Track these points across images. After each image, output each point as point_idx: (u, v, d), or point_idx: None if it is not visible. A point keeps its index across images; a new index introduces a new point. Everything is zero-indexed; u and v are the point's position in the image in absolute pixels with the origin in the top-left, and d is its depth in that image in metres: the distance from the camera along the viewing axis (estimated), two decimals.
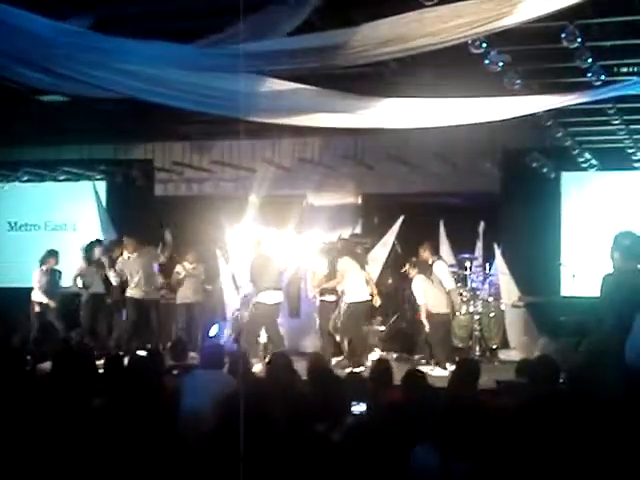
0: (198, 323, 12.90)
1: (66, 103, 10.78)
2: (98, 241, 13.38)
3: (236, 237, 13.83)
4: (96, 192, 15.05)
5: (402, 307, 13.23)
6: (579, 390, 5.89)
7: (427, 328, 11.33)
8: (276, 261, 12.03)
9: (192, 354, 11.63)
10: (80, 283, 12.70)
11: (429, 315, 11.29)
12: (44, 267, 12.73)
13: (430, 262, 11.90)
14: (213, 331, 13.03)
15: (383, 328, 12.79)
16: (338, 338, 12.08)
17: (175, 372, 8.69)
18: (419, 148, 12.87)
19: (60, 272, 12.96)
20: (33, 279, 12.66)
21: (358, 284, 11.58)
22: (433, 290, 11.46)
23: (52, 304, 12.60)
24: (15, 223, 16.13)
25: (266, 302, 11.59)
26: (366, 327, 12.25)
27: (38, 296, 12.63)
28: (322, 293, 12.11)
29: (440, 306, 11.42)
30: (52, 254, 12.91)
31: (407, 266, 11.74)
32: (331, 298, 12.06)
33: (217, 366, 6.81)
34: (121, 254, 12.80)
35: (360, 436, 4.75)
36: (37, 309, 12.64)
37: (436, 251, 12.58)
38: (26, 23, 5.79)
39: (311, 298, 12.55)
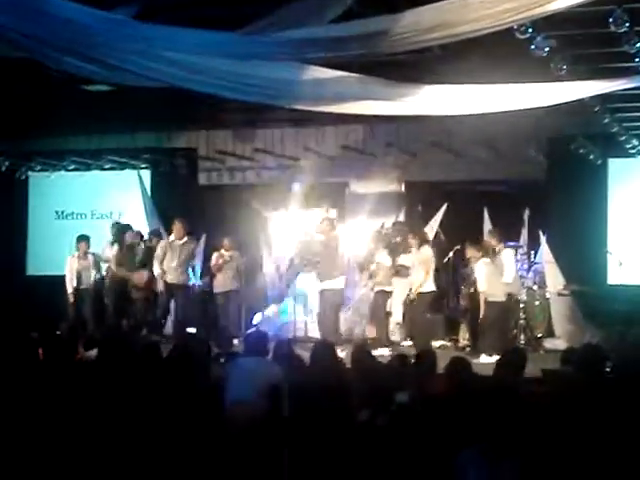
0: (238, 311, 12.88)
1: (111, 92, 10.86)
2: (129, 226, 13.48)
3: (279, 225, 13.88)
4: (141, 181, 15.14)
5: (447, 294, 13.17)
6: (627, 379, 5.81)
7: (482, 314, 11.20)
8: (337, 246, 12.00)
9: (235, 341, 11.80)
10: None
11: (485, 302, 11.17)
12: (76, 253, 12.84)
13: (497, 249, 11.79)
14: (257, 319, 13.09)
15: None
16: (391, 327, 12.09)
17: (222, 360, 8.75)
18: (463, 135, 12.76)
19: (95, 256, 13.09)
20: (65, 267, 12.84)
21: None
22: (494, 276, 11.35)
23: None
24: (62, 212, 16.30)
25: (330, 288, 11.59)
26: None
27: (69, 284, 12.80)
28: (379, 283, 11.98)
29: (499, 294, 11.29)
30: (83, 239, 13.01)
31: (468, 248, 11.62)
32: (389, 288, 11.95)
33: (261, 353, 6.83)
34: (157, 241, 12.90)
35: (404, 424, 4.74)
36: (71, 298, 12.79)
37: (481, 239, 12.50)
38: (71, 13, 5.83)
39: (368, 289, 12.39)
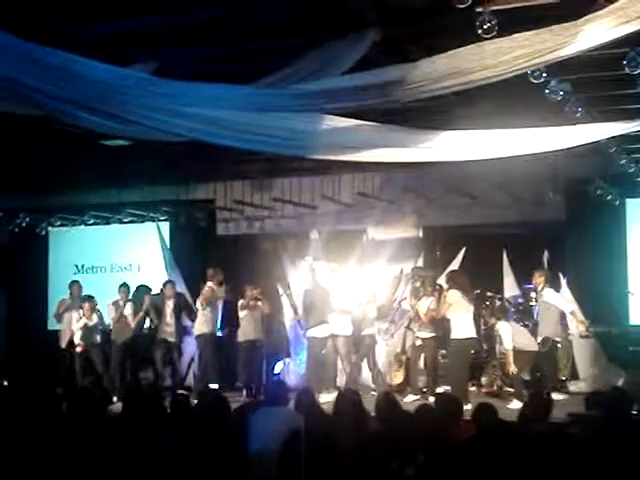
0: (260, 360, 12.87)
1: (129, 147, 10.99)
2: (145, 287, 13.67)
3: (298, 273, 13.91)
4: (160, 233, 15.23)
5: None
6: None
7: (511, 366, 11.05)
8: (330, 294, 12.06)
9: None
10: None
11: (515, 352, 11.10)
12: (80, 311, 12.95)
13: (540, 288, 11.78)
14: (278, 368, 13.06)
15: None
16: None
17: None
18: (480, 179, 12.78)
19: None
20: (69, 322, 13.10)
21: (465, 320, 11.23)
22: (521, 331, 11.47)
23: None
24: (82, 266, 16.41)
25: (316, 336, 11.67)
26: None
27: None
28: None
29: (531, 344, 11.38)
30: (90, 298, 13.15)
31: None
32: (429, 334, 11.82)
33: (282, 403, 6.80)
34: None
35: (433, 473, 4.70)
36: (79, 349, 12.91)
37: (500, 282, 12.50)
38: (91, 71, 5.93)
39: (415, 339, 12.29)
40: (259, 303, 12.75)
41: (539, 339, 11.53)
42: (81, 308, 12.93)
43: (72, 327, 12.94)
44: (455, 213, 13.69)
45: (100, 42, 7.57)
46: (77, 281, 14.03)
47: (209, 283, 12.62)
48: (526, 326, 12.07)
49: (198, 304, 12.66)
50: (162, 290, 13.30)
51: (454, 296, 11.22)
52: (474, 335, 11.31)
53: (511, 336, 11.11)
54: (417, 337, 11.96)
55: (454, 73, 5.79)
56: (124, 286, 13.35)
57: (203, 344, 12.60)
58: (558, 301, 11.65)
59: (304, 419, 6.18)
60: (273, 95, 6.47)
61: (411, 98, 6.37)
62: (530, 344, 11.35)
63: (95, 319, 12.92)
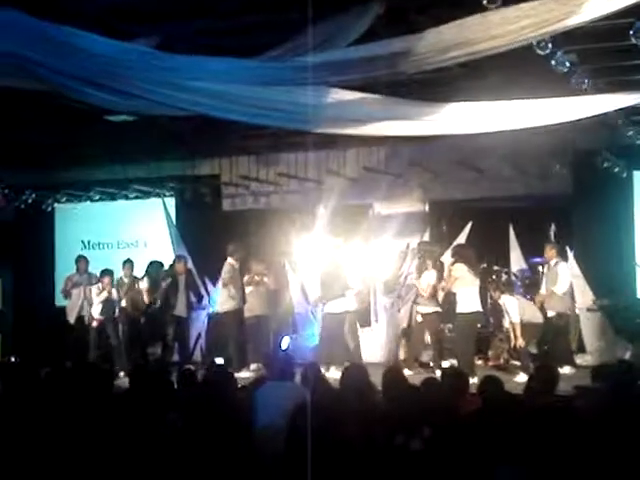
0: (267, 335, 12.87)
1: (134, 122, 10.95)
2: (159, 263, 13.58)
3: (304, 248, 13.89)
4: (166, 209, 15.21)
5: None
6: None
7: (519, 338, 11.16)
8: (344, 269, 12.03)
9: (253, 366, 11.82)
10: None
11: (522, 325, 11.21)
12: (100, 285, 12.91)
13: (554, 263, 11.79)
14: (285, 343, 13.07)
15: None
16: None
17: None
18: (486, 152, 12.72)
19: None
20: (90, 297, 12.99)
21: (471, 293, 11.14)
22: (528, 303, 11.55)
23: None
24: (88, 242, 16.43)
25: (333, 312, 11.64)
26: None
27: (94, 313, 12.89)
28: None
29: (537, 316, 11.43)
30: (108, 273, 13.09)
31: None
32: (430, 309, 11.85)
33: (288, 378, 6.81)
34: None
35: (440, 446, 4.70)
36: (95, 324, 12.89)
37: (507, 256, 12.50)
38: (95, 45, 5.90)
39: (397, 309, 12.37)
40: (265, 279, 12.73)
41: (550, 313, 11.53)
42: (100, 282, 12.87)
43: (92, 301, 12.83)
44: (461, 187, 13.65)
45: (102, 16, 7.50)
46: (84, 256, 13.99)
47: (229, 259, 12.55)
48: (532, 300, 12.04)
49: (220, 281, 12.62)
50: (172, 266, 13.28)
51: (460, 270, 11.13)
52: (480, 309, 11.22)
53: (518, 309, 11.13)
54: (418, 312, 11.97)
55: (460, 43, 5.75)
56: (128, 262, 13.32)
57: (228, 321, 12.54)
58: (567, 276, 11.65)
59: (310, 394, 6.19)
60: (277, 68, 6.43)
61: (417, 69, 6.32)
62: (536, 317, 11.37)
63: (114, 293, 12.92)
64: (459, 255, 11.39)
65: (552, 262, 11.81)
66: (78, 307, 13.29)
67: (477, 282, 11.23)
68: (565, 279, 11.69)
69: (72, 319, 13.39)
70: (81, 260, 13.84)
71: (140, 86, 6.37)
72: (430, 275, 11.80)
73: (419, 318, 11.98)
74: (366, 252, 13.45)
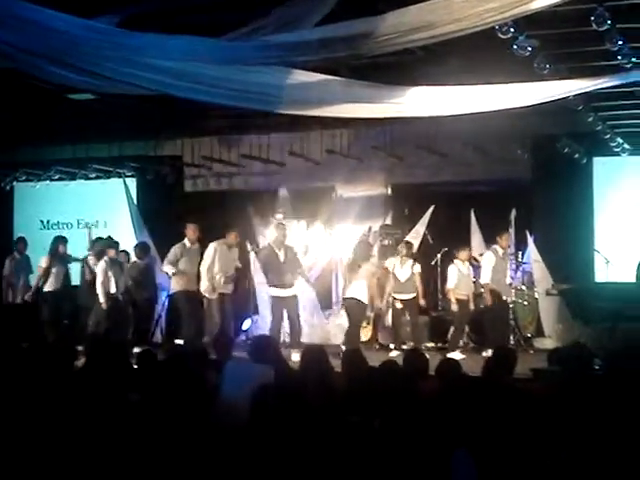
0: (229, 315, 12.77)
1: (96, 101, 10.86)
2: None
3: (266, 230, 13.87)
4: (127, 189, 15.10)
5: (435, 296, 13.24)
6: (616, 376, 5.83)
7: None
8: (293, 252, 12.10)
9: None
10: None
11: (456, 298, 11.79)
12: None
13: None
14: (246, 325, 13.06)
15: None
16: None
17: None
18: (448, 137, 12.79)
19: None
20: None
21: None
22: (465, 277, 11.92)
23: None
24: (47, 222, 16.28)
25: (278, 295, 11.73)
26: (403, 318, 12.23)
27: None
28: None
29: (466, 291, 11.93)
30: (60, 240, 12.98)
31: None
32: (410, 295, 12.05)
33: (264, 359, 6.81)
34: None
35: (398, 427, 4.73)
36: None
37: (468, 240, 12.62)
38: (55, 22, 5.83)
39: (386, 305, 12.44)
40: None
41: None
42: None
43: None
44: (424, 171, 13.73)
45: None
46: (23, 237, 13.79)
47: (185, 240, 12.41)
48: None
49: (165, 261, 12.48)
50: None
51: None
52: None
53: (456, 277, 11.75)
54: (397, 299, 12.03)
55: (422, 26, 5.76)
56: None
57: (181, 301, 12.35)
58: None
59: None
60: (239, 48, 6.40)
61: (379, 51, 6.33)
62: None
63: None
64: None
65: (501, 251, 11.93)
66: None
67: None
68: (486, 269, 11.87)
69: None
70: (20, 242, 13.63)
71: (103, 64, 6.31)
72: (409, 263, 12.03)
73: (398, 305, 12.06)
74: (328, 234, 13.50)
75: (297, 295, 11.91)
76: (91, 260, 12.85)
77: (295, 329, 11.59)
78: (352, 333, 11.35)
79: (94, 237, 13.41)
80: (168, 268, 12.12)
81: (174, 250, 12.17)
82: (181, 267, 12.11)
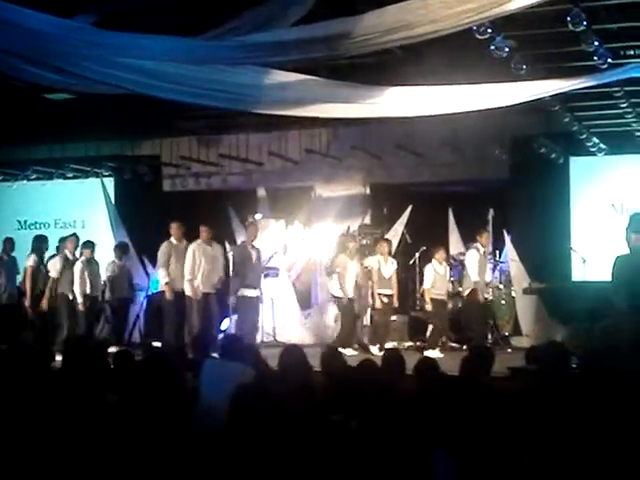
0: (215, 315, 12.70)
1: (73, 100, 10.78)
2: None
3: (244, 230, 13.83)
4: (104, 189, 15.03)
5: (413, 296, 13.28)
6: (592, 374, 5.87)
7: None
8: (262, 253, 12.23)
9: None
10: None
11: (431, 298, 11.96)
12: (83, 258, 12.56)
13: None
14: (225, 324, 13.02)
15: (394, 318, 12.77)
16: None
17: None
18: (426, 137, 12.84)
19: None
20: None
21: None
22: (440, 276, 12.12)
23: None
24: (24, 222, 16.17)
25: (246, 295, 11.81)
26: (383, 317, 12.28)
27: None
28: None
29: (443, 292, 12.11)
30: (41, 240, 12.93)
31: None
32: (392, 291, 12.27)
33: (239, 358, 6.80)
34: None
35: (377, 427, 4.74)
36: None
37: (446, 240, 12.68)
38: (32, 21, 5.79)
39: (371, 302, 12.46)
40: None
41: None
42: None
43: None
44: (402, 171, 13.76)
45: None
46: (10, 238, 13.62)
47: (171, 239, 12.29)
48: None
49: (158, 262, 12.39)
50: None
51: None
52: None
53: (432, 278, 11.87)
54: (381, 294, 12.10)
55: (400, 27, 5.76)
56: (73, 236, 13.08)
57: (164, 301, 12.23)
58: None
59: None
60: (215, 47, 6.37)
61: (357, 52, 6.34)
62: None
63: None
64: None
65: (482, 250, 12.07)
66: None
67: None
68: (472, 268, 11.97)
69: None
70: (7, 242, 13.56)
71: (81, 64, 6.28)
72: (391, 261, 12.24)
73: (385, 300, 12.12)
74: (307, 234, 13.51)
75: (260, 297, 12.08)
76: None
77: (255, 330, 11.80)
78: (345, 332, 11.70)
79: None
80: (162, 275, 12.03)
81: (163, 249, 12.08)
82: (171, 267, 12.06)
